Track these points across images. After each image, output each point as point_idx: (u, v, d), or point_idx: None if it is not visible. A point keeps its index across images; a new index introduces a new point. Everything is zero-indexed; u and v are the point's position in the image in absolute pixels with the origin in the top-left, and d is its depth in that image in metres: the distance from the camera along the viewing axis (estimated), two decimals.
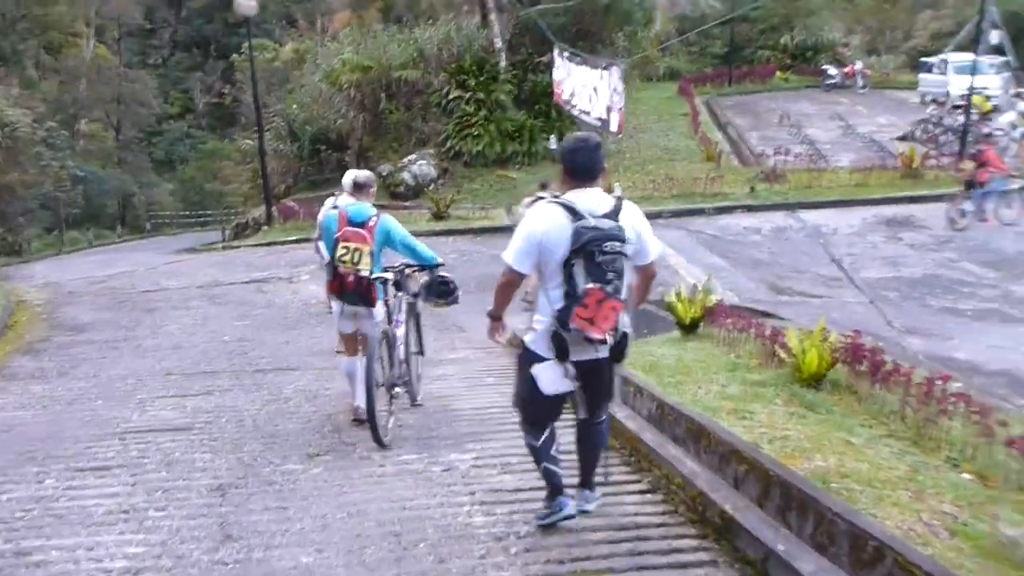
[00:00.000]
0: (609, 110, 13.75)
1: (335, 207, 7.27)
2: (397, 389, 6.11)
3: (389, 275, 6.12)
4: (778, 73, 38.09)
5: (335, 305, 6.28)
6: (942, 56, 32.34)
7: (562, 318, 3.72)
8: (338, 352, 6.78)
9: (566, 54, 16.17)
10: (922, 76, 32.72)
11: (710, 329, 9.59)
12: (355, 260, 5.78)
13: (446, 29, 25.69)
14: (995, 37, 36.19)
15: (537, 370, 3.88)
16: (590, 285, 3.65)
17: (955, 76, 29.83)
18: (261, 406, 6.85)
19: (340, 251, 5.81)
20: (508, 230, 16.88)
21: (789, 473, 4.25)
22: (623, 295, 3.79)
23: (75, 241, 36.84)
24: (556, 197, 3.85)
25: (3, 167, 26.41)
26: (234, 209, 38.32)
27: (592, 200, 3.75)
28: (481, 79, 23.89)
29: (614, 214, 3.74)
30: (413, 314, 6.64)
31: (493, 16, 24.67)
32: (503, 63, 24.62)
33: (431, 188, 22.90)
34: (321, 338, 10.56)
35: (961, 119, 24.20)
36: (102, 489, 4.90)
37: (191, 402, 7.01)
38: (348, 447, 5.66)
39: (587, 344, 3.74)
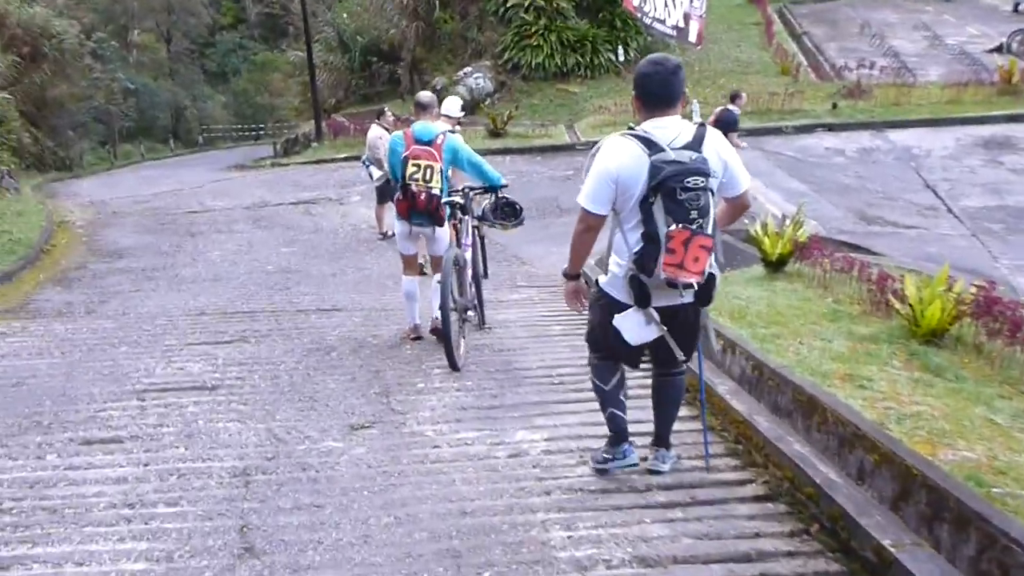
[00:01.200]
0: (688, 17, 12.38)
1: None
2: (469, 312, 6.20)
3: (457, 198, 6.20)
4: None
5: (399, 226, 6.12)
6: None
7: (642, 262, 3.41)
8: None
9: None
10: None
11: (800, 267, 8.61)
12: (427, 177, 5.76)
13: None
14: None
15: (619, 321, 3.58)
16: (672, 227, 3.32)
17: None
18: (300, 358, 6.04)
19: (411, 169, 5.76)
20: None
21: (940, 476, 3.31)
22: (710, 230, 3.42)
23: (128, 155, 36.48)
24: (631, 128, 3.45)
25: (51, 80, 25.69)
26: (286, 122, 37.52)
27: (670, 130, 3.39)
28: None
29: (696, 144, 3.37)
30: (478, 237, 6.68)
31: None
32: None
33: (487, 103, 21.67)
34: (370, 269, 9.75)
35: None
36: (108, 471, 4.13)
37: (223, 351, 6.23)
38: (397, 417, 4.82)
39: (670, 288, 3.44)
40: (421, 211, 5.85)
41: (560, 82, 22.29)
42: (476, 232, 6.69)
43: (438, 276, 6.01)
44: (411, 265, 6.32)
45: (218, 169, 23.48)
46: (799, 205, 9.25)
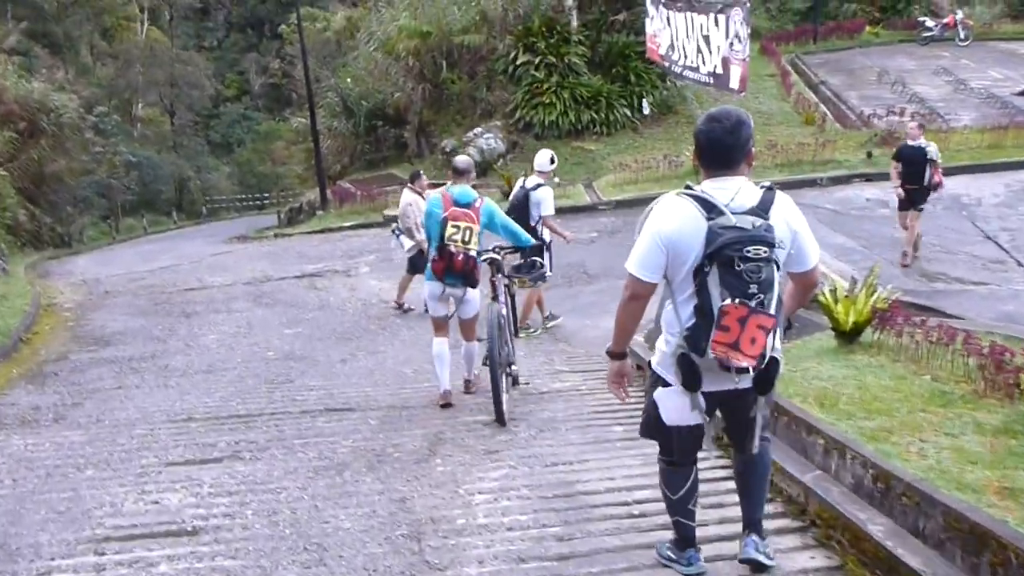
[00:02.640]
0: (727, 62, 11.39)
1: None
2: (513, 367, 6.34)
3: (494, 255, 6.26)
4: (867, 27, 35.07)
5: (430, 287, 6.20)
6: None
7: (693, 339, 3.10)
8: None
9: (663, 0, 13.84)
10: None
11: (880, 337, 7.50)
12: (466, 239, 5.86)
13: None
14: None
15: (660, 395, 3.31)
16: (727, 302, 2.98)
17: None
18: (305, 482, 4.85)
19: (450, 230, 5.85)
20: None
21: None
22: (772, 309, 3.04)
23: (130, 228, 35.73)
24: (688, 188, 3.16)
25: (49, 155, 24.93)
26: (291, 191, 36.79)
27: (732, 191, 3.09)
28: (551, 41, 21.52)
29: (762, 210, 3.06)
30: (509, 295, 6.91)
31: None
32: (574, 23, 22.21)
33: (499, 164, 20.76)
34: (384, 352, 8.59)
35: None
36: None
37: (210, 474, 5.03)
38: (436, 575, 3.61)
39: (724, 372, 3.12)
40: (458, 272, 5.94)
41: (575, 140, 21.39)
42: (507, 291, 6.85)
43: (472, 344, 6.43)
44: (441, 328, 6.37)
45: (220, 241, 22.53)
46: (872, 267, 8.12)
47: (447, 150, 21.56)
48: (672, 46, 14.17)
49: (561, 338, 8.83)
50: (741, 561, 3.52)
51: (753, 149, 3.26)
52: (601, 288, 10.86)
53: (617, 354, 3.40)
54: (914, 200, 11.82)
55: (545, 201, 8.55)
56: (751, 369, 3.09)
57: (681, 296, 3.15)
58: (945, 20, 33.30)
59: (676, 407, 3.27)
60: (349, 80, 26.59)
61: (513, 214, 8.49)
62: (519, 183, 8.90)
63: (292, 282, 13.57)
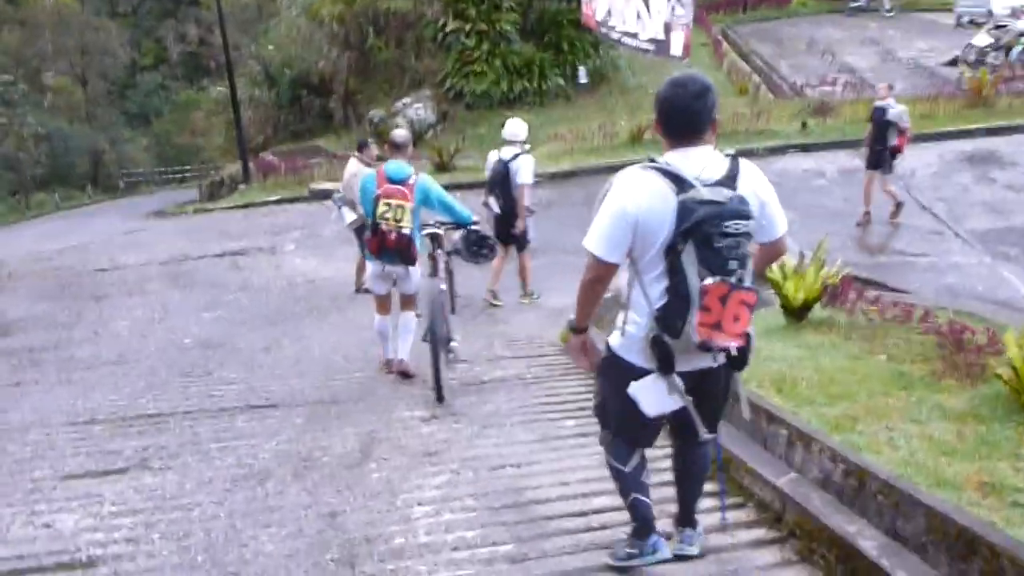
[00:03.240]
0: (669, 28, 10.95)
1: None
2: (453, 343, 6.24)
3: (435, 230, 6.33)
4: None
5: (372, 265, 6.21)
6: None
7: (666, 320, 2.89)
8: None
9: None
10: None
11: (829, 313, 7.27)
12: (398, 217, 5.78)
13: None
14: None
15: (636, 389, 3.05)
16: (708, 280, 2.80)
17: None
18: (222, 495, 4.30)
19: (382, 208, 5.79)
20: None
21: None
22: (750, 282, 2.91)
23: (41, 204, 34.01)
24: (652, 160, 2.93)
25: None
26: (212, 163, 35.41)
27: (699, 163, 2.89)
28: (482, 7, 20.82)
29: (730, 180, 2.89)
30: (448, 271, 6.86)
31: None
32: None
33: (430, 134, 20.10)
34: (310, 338, 8.00)
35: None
36: None
37: (112, 489, 4.44)
38: None
39: (702, 352, 2.94)
40: (392, 250, 5.86)
41: (507, 109, 20.78)
42: (447, 266, 6.84)
43: (409, 314, 6.27)
44: (384, 306, 6.35)
45: (136, 217, 21.40)
46: (820, 241, 7.84)
47: (375, 120, 20.82)
48: (610, 12, 13.70)
49: (501, 319, 8.37)
50: (677, 557, 3.43)
51: (718, 116, 3.05)
52: (541, 264, 10.40)
53: (581, 329, 3.25)
54: (875, 162, 11.96)
55: (523, 169, 8.44)
56: (734, 348, 2.95)
57: (649, 275, 2.96)
58: None
59: (655, 397, 3.05)
60: (271, 47, 25.48)
61: (497, 189, 8.51)
62: (494, 157, 8.69)
63: (212, 261, 12.80)
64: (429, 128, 20.42)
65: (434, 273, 6.21)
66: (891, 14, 31.87)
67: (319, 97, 23.86)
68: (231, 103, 20.80)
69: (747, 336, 3.01)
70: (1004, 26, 23.46)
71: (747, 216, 2.84)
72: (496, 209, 8.57)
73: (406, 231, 5.79)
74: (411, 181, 5.83)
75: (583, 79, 19.07)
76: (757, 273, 3.16)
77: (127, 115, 50.29)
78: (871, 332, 6.72)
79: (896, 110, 11.75)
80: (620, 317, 3.13)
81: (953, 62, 22.75)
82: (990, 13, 26.74)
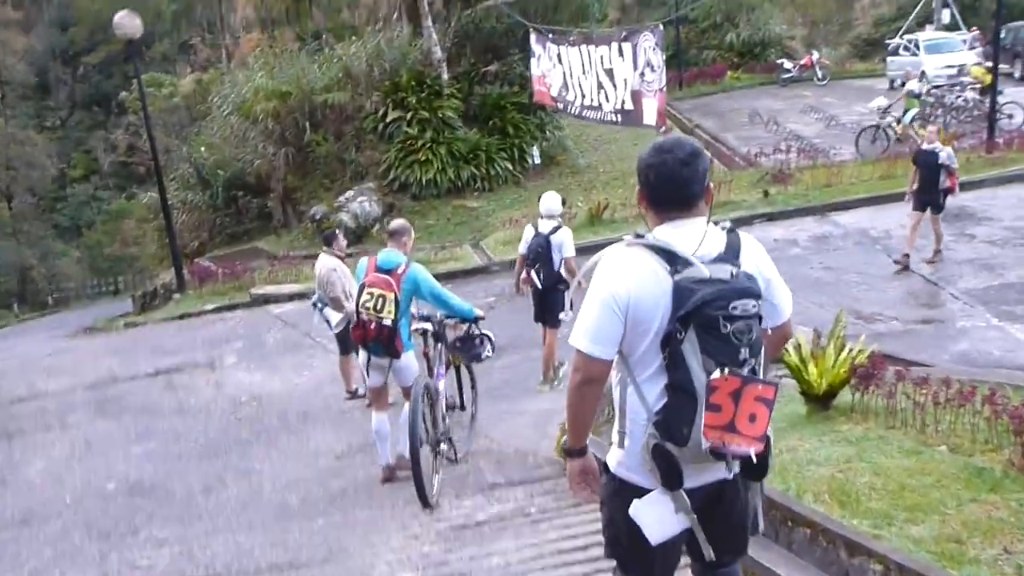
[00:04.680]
0: (638, 96, 10.21)
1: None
2: (443, 446, 6.00)
3: (427, 325, 6.12)
4: (729, 72, 35.72)
5: (360, 355, 6.12)
6: (910, 37, 30.90)
7: (668, 424, 2.48)
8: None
9: (551, 35, 12.55)
10: (890, 59, 31.16)
11: (857, 397, 6.29)
12: (378, 307, 5.70)
13: (374, 43, 21.93)
14: (946, 16, 34.81)
15: (637, 510, 2.59)
16: (716, 374, 2.39)
17: (926, 56, 28.04)
18: None
19: (364, 297, 5.77)
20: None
21: None
22: (764, 374, 2.55)
23: None
24: (639, 236, 2.60)
25: None
26: (147, 272, 33.89)
27: (694, 237, 2.55)
28: (422, 95, 20.20)
29: (732, 255, 2.56)
30: (453, 366, 6.61)
31: (428, 23, 21.02)
32: (445, 76, 20.99)
33: (376, 229, 19.11)
34: (260, 472, 6.76)
35: (967, 95, 21.79)
36: None
37: None
38: None
39: (714, 460, 2.48)
40: (373, 341, 5.76)
41: (455, 198, 20.02)
42: (452, 362, 6.53)
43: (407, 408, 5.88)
44: (377, 399, 6.14)
45: (64, 335, 19.83)
46: (837, 316, 6.95)
47: (316, 217, 19.81)
48: (566, 85, 12.99)
49: (481, 432, 7.23)
50: None
51: (711, 184, 2.70)
52: (511, 363, 9.39)
53: (577, 451, 2.80)
54: (927, 203, 11.88)
55: (566, 243, 8.39)
56: (753, 454, 2.50)
57: (644, 373, 2.58)
58: (802, 61, 34.31)
59: (660, 518, 2.61)
60: (203, 148, 24.45)
61: (538, 263, 8.26)
62: (530, 233, 8.61)
63: (144, 382, 11.45)
64: (375, 222, 19.44)
65: (429, 373, 6.05)
66: (824, 83, 32.44)
67: (256, 197, 22.81)
68: (162, 207, 19.61)
69: (767, 439, 2.59)
70: (938, 86, 23.78)
71: (756, 295, 2.49)
72: (539, 284, 8.35)
73: (387, 322, 5.65)
74: (400, 271, 5.76)
75: (536, 159, 18.36)
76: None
77: (58, 228, 48.56)
78: (915, 418, 5.84)
79: (946, 152, 11.89)
80: (614, 428, 2.72)
81: (898, 122, 22.80)
82: (923, 74, 27.21)
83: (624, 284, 2.53)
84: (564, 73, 13.01)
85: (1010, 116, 19.77)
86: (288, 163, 21.64)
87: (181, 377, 11.44)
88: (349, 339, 8.11)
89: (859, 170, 17.50)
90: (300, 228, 20.91)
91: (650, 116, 10.26)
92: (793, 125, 24.96)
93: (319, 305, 8.57)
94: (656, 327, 2.51)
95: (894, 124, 20.22)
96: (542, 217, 8.64)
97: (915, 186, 12.10)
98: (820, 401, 6.45)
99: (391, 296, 5.64)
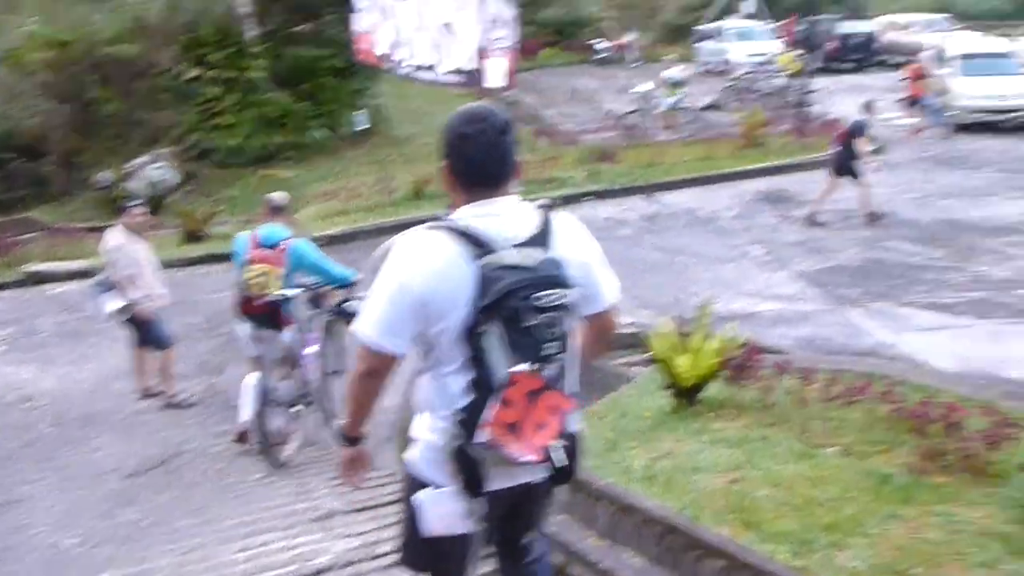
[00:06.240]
0: (484, 54, 9.30)
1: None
2: (299, 407, 6.12)
3: (297, 291, 6.03)
4: (546, 49, 35.84)
5: (243, 327, 6.04)
6: (717, 24, 32.14)
7: (472, 422, 2.32)
8: None
9: None
10: (698, 45, 32.50)
11: (729, 390, 5.85)
12: (263, 284, 5.74)
13: None
14: (749, 6, 36.47)
15: (421, 499, 2.48)
16: (517, 368, 2.26)
17: (735, 43, 29.25)
18: None
19: (248, 274, 5.78)
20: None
21: None
22: (572, 380, 2.43)
23: None
24: (442, 218, 2.40)
25: None
26: None
27: (503, 218, 2.38)
28: (227, 53, 18.46)
29: (542, 238, 2.39)
30: (332, 332, 6.57)
31: None
32: (253, 33, 19.28)
33: (172, 198, 17.26)
34: (29, 503, 5.38)
35: (776, 82, 22.71)
36: None
37: None
38: None
39: (515, 465, 2.36)
40: (259, 315, 5.85)
41: (265, 166, 18.45)
42: (331, 327, 6.52)
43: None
44: (257, 366, 6.02)
45: None
46: (705, 301, 6.45)
47: (103, 184, 17.65)
48: (397, 43, 11.89)
49: (309, 439, 6.16)
50: None
51: (518, 160, 2.48)
52: None
53: (353, 437, 2.67)
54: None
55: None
56: (532, 464, 2.37)
57: (449, 367, 2.39)
58: (617, 42, 34.97)
59: (443, 514, 2.47)
60: None
61: None
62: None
63: None
64: (171, 191, 17.57)
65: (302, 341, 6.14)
66: (637, 64, 33.12)
67: (30, 160, 20.16)
68: None
69: (572, 439, 2.48)
70: (750, 72, 24.65)
71: (564, 284, 2.34)
72: None
73: (272, 298, 5.73)
74: (283, 245, 5.82)
75: (364, 123, 17.05)
76: (588, 358, 2.66)
77: None
78: (796, 415, 5.43)
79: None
80: (416, 424, 2.58)
81: (713, 106, 23.46)
82: (727, 62, 28.25)
83: (419, 273, 2.34)
84: (395, 28, 11.92)
85: (815, 104, 20.63)
86: (69, 122, 19.20)
87: None
88: (150, 329, 7.23)
89: (681, 151, 17.62)
90: (84, 196, 18.63)
91: (496, 77, 9.42)
92: (611, 105, 25.09)
93: (101, 288, 7.17)
94: (458, 318, 2.33)
95: (654, 111, 20.60)
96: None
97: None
98: (686, 395, 5.96)
99: (277, 271, 5.75)
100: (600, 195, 15.19)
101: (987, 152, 16.60)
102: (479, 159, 2.41)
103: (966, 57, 19.35)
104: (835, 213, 13.13)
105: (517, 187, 2.46)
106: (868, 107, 12.83)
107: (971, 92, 18.31)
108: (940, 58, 19.67)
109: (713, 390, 5.97)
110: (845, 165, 12.44)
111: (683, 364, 5.88)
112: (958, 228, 11.98)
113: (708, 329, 6.11)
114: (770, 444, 5.10)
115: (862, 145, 12.27)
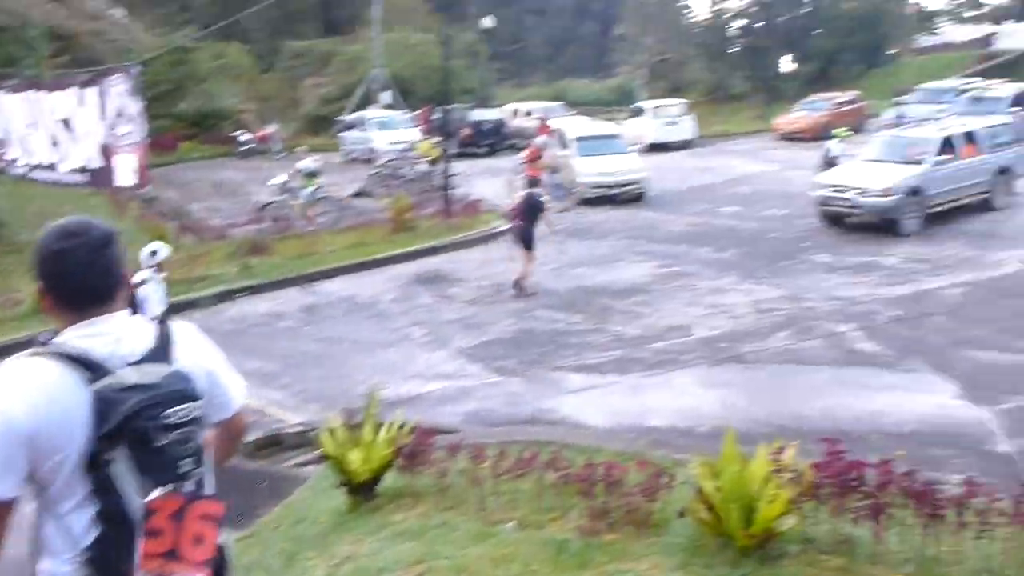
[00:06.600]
0: (109, 151, 8.45)
1: None
2: None
3: None
4: (185, 143, 34.58)
5: None
6: (360, 114, 33.04)
7: (102, 560, 2.13)
8: None
9: None
10: (343, 135, 33.24)
11: (403, 479, 5.96)
12: None
13: None
14: (387, 97, 38.10)
15: None
16: (155, 495, 2.11)
17: (377, 132, 30.17)
18: None
19: None
20: None
21: None
22: (211, 488, 2.34)
23: None
24: (45, 343, 2.19)
25: None
26: None
27: (115, 336, 2.23)
28: None
29: (162, 352, 2.26)
30: None
31: None
32: None
33: None
34: None
35: (419, 167, 23.70)
36: None
37: None
38: None
39: None
40: None
41: None
42: None
43: None
44: None
45: None
46: (372, 391, 6.38)
47: None
48: (6, 140, 10.55)
49: None
50: None
51: (126, 272, 2.39)
52: None
53: None
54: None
55: (150, 299, 7.91)
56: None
57: (67, 504, 2.17)
58: (259, 134, 34.65)
59: None
60: None
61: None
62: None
63: None
64: None
65: None
66: (281, 155, 32.96)
67: None
68: None
69: (220, 552, 2.29)
70: (394, 160, 25.48)
71: (193, 397, 2.25)
72: None
73: None
74: None
75: None
76: (220, 462, 2.54)
77: None
78: (472, 494, 5.53)
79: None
80: (37, 569, 2.27)
81: (361, 193, 23.82)
82: (372, 150, 29.07)
83: (21, 407, 2.11)
84: (2, 127, 10.66)
85: (457, 187, 21.74)
86: None
87: None
88: None
89: (334, 239, 17.63)
90: None
91: (127, 175, 8.73)
92: (258, 196, 24.60)
93: None
94: (75, 450, 2.13)
95: (292, 201, 20.73)
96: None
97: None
98: (362, 490, 5.85)
99: None
100: (255, 290, 14.70)
101: (610, 223, 18.50)
102: (78, 276, 2.27)
103: (581, 139, 21.57)
104: (485, 288, 13.85)
105: (124, 303, 2.33)
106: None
107: (588, 170, 20.43)
108: (562, 141, 21.73)
109: (389, 480, 5.92)
110: (525, 237, 13.31)
111: (356, 459, 5.78)
112: (592, 293, 13.16)
113: (377, 419, 6.05)
114: (450, 528, 5.11)
115: (546, 219, 13.53)
